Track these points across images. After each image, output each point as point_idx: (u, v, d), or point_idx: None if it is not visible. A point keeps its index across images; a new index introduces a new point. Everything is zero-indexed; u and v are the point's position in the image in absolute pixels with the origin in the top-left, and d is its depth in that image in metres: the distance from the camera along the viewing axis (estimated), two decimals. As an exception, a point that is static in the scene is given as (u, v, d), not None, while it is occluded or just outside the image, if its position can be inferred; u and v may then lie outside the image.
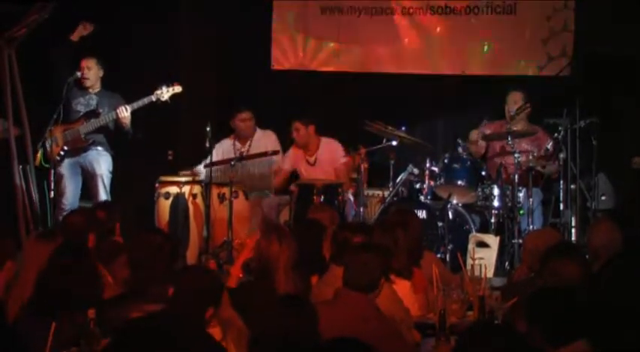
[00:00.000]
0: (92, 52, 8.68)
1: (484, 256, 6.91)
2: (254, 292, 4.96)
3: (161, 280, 4.41)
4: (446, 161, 8.45)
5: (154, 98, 8.40)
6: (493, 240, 7.93)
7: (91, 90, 8.69)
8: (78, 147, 8.57)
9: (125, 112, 8.39)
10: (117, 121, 8.50)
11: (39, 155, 8.51)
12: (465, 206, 8.42)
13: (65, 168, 8.56)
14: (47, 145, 8.50)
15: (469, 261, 5.88)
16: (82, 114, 8.61)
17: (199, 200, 8.49)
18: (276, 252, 5.08)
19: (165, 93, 8.41)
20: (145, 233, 5.15)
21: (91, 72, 8.63)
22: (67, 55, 8.63)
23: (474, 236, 8.04)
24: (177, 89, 8.45)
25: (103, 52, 8.77)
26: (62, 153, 8.49)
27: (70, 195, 8.58)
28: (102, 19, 9.14)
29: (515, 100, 8.61)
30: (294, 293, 4.63)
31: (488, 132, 8.76)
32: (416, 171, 8.57)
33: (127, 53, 9.18)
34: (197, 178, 8.65)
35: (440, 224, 8.17)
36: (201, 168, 8.81)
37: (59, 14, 8.58)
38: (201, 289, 4.01)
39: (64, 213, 8.35)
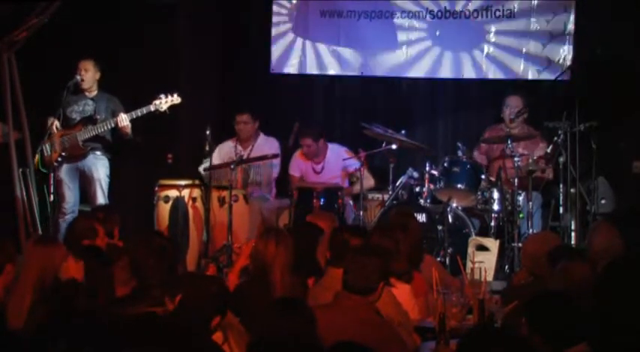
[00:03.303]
0: (90, 54, 8.68)
1: (484, 260, 6.91)
2: (250, 294, 4.96)
3: (163, 283, 4.42)
4: (445, 164, 8.45)
5: (152, 108, 8.38)
6: (493, 244, 7.93)
7: (87, 93, 8.67)
8: (76, 154, 8.56)
9: (125, 121, 8.38)
10: (118, 130, 8.49)
11: (36, 159, 8.51)
12: (464, 209, 8.42)
13: (64, 173, 8.54)
14: (45, 150, 8.50)
15: (469, 265, 5.89)
16: (78, 120, 8.59)
17: (199, 203, 8.49)
18: (273, 254, 5.11)
19: (163, 103, 8.38)
20: (147, 235, 5.16)
21: (88, 74, 8.61)
22: None
23: (474, 239, 8.05)
24: (176, 100, 8.42)
25: (103, 55, 8.77)
26: (60, 159, 8.48)
27: (71, 199, 8.57)
28: (102, 22, 9.17)
29: (516, 105, 8.64)
30: (291, 296, 4.63)
31: (487, 136, 8.79)
32: (416, 174, 8.58)
33: (126, 56, 9.18)
34: (196, 181, 8.65)
35: (439, 227, 8.17)
36: (200, 171, 8.83)
37: (59, 18, 8.60)
38: (210, 298, 4.01)
39: (67, 217, 8.38)
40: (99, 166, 8.61)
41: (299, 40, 10.00)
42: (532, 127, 8.73)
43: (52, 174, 8.37)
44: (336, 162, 8.96)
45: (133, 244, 4.93)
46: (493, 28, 9.43)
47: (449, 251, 7.98)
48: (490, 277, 6.55)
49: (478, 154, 8.83)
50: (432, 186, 8.46)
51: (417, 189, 8.57)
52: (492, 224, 8.31)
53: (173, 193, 8.46)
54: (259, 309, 4.11)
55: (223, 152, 9.06)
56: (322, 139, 8.95)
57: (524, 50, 9.36)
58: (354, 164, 8.78)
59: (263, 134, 9.16)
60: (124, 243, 6.10)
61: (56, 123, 8.47)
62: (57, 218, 8.43)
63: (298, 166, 9.13)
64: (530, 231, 8.01)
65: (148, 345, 2.93)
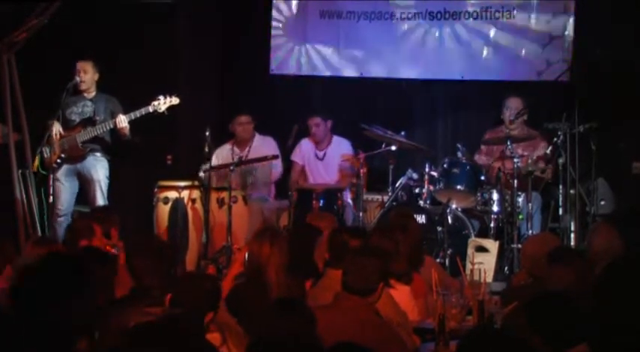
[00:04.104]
0: (88, 55, 8.67)
1: (483, 261, 6.90)
2: (247, 296, 4.96)
3: (162, 284, 4.42)
4: (445, 166, 8.45)
5: (151, 109, 8.38)
6: (492, 245, 7.92)
7: (86, 94, 8.66)
8: (75, 155, 8.55)
9: (124, 122, 8.37)
10: (116, 131, 8.49)
11: (36, 162, 8.50)
12: (464, 210, 8.42)
13: (62, 173, 8.53)
14: (44, 152, 8.49)
15: (468, 266, 5.88)
16: (77, 122, 8.59)
17: (198, 205, 8.48)
18: (267, 255, 5.11)
19: (162, 104, 8.38)
20: (144, 237, 5.17)
21: (87, 75, 8.60)
22: None
23: (473, 240, 8.04)
24: (175, 101, 8.43)
25: (102, 56, 8.77)
26: (59, 160, 8.47)
27: (65, 200, 8.53)
28: (101, 23, 9.16)
29: (516, 106, 8.63)
30: (288, 296, 4.64)
31: (487, 137, 8.79)
32: (415, 175, 8.58)
33: (126, 57, 9.17)
34: (196, 182, 8.65)
35: (439, 228, 8.16)
36: (201, 176, 8.82)
37: (58, 19, 8.60)
38: (199, 293, 4.02)
39: (60, 219, 8.37)
40: (98, 168, 8.60)
41: (298, 41, 9.99)
42: (532, 128, 8.72)
43: (50, 176, 8.37)
44: (339, 152, 9.04)
45: (130, 246, 4.94)
46: (493, 29, 9.43)
47: (448, 252, 7.98)
48: (490, 278, 6.54)
49: (479, 157, 8.82)
50: (431, 188, 8.46)
51: (417, 190, 8.57)
52: (492, 225, 8.30)
53: (172, 194, 8.46)
54: (256, 310, 4.11)
55: (222, 157, 9.05)
56: (331, 124, 9.08)
57: (523, 51, 9.35)
58: (350, 167, 8.83)
59: (258, 134, 9.18)
60: (123, 244, 6.11)
61: (57, 126, 8.46)
62: (52, 219, 8.43)
63: (301, 152, 9.21)
64: (530, 232, 8.00)
65: (146, 346, 2.93)
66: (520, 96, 8.71)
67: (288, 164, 9.26)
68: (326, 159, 9.16)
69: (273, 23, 10.03)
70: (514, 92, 8.82)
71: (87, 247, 5.51)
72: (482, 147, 8.89)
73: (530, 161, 8.32)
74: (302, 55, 10.00)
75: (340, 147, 9.09)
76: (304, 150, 9.25)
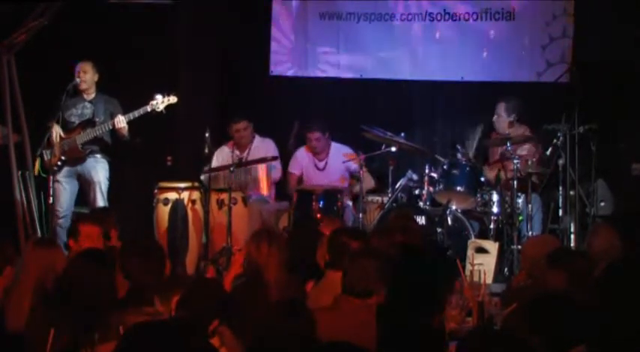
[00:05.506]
0: (89, 56, 8.67)
1: (483, 262, 6.90)
2: (244, 298, 4.96)
3: (157, 284, 4.43)
4: (445, 167, 8.45)
5: (149, 108, 8.38)
6: (492, 246, 7.92)
7: (86, 95, 8.66)
8: (75, 157, 8.54)
9: (122, 123, 8.37)
10: (115, 131, 8.49)
11: (37, 165, 8.50)
12: (464, 212, 8.41)
13: (62, 175, 8.53)
14: (45, 155, 8.48)
15: (468, 267, 5.88)
16: (77, 124, 8.59)
17: (198, 206, 8.48)
18: (266, 254, 5.10)
19: (160, 103, 8.38)
20: (133, 241, 5.18)
21: (87, 76, 8.60)
22: None
23: (473, 242, 8.04)
24: (173, 99, 8.43)
25: (101, 57, 8.77)
26: (60, 163, 8.47)
27: (65, 201, 8.54)
28: (101, 23, 9.17)
29: (497, 112, 8.64)
30: (287, 296, 4.63)
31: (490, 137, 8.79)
32: (415, 177, 8.58)
33: (126, 59, 9.18)
34: (196, 184, 8.64)
35: (439, 230, 8.16)
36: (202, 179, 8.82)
37: (58, 20, 8.60)
38: (212, 300, 4.03)
39: (59, 221, 8.37)
40: (99, 169, 8.60)
41: (298, 42, 9.99)
42: (526, 126, 8.69)
43: (50, 177, 8.37)
44: (339, 160, 8.98)
45: (121, 250, 4.96)
46: (492, 31, 9.43)
47: (448, 253, 7.97)
48: (489, 279, 6.53)
49: (487, 171, 8.75)
50: (431, 189, 8.45)
51: (417, 192, 8.56)
52: (492, 226, 8.30)
53: (172, 196, 8.45)
54: (254, 313, 4.11)
55: (221, 158, 9.03)
56: (328, 134, 8.99)
57: (523, 52, 9.35)
58: (353, 166, 8.80)
59: (258, 136, 9.15)
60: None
61: (57, 128, 8.46)
62: (52, 221, 8.43)
63: (299, 163, 9.15)
64: (530, 233, 8.00)
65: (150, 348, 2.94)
66: (503, 101, 8.67)
67: (285, 168, 9.22)
68: (327, 168, 9.09)
69: (273, 24, 10.02)
70: (506, 95, 8.77)
71: (88, 249, 5.50)
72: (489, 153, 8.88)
73: (530, 162, 8.29)
74: (302, 56, 9.99)
75: (340, 154, 9.03)
76: (300, 161, 9.16)
